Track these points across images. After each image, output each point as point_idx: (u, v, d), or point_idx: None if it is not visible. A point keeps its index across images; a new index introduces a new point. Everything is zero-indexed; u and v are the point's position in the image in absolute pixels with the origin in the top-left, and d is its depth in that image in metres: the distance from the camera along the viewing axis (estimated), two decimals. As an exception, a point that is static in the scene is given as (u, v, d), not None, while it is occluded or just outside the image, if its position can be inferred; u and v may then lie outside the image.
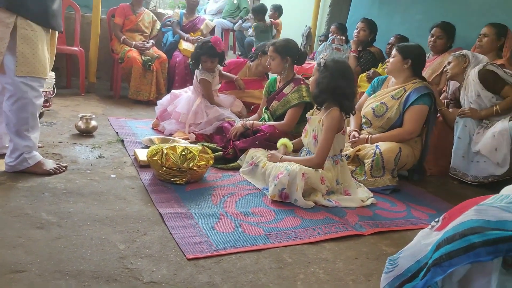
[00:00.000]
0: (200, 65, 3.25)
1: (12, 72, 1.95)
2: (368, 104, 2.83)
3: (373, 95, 2.87)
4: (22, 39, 1.93)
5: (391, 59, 2.78)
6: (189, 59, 3.48)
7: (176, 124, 3.22)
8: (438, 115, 2.93)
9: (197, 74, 3.31)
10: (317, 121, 2.34)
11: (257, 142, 2.64)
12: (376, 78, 3.02)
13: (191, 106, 3.22)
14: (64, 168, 2.22)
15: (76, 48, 4.30)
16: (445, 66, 3.06)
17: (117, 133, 3.07)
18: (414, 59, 2.67)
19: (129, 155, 2.62)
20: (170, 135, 3.16)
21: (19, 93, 1.98)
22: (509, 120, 2.60)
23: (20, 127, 2.03)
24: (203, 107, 3.22)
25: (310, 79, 2.48)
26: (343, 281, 1.53)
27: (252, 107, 3.60)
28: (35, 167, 2.10)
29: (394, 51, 2.75)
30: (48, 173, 2.12)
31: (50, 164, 2.17)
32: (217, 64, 3.33)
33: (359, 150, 2.66)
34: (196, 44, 3.42)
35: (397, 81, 2.78)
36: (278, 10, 6.08)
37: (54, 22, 2.05)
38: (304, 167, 2.17)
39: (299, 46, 3.65)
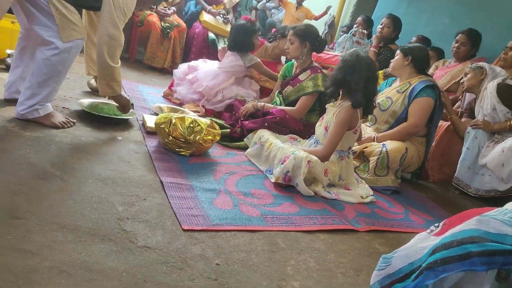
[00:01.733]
0: (247, 48, 3.26)
1: (56, 35, 2.01)
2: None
3: (381, 92, 2.90)
4: (56, 9, 1.98)
5: (394, 58, 2.84)
6: (228, 41, 3.35)
7: (191, 93, 3.20)
8: (444, 111, 2.92)
9: (242, 59, 3.26)
10: (332, 113, 2.32)
11: (266, 124, 2.63)
12: (387, 79, 3.07)
13: (218, 82, 3.19)
14: (72, 124, 2.23)
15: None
16: (462, 77, 3.03)
17: (128, 96, 3.07)
18: (414, 56, 2.72)
19: (137, 119, 2.62)
20: (180, 104, 3.16)
21: (63, 48, 2.03)
22: None
23: (50, 78, 2.06)
24: (232, 88, 3.20)
25: (328, 75, 2.46)
26: (332, 273, 1.54)
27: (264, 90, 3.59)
28: (44, 118, 2.11)
29: (397, 51, 2.83)
30: (56, 126, 2.13)
31: (59, 117, 2.18)
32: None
33: (365, 147, 2.66)
34: (235, 28, 3.28)
35: (401, 79, 2.82)
36: None
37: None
38: (311, 155, 2.17)
39: (321, 34, 3.60)
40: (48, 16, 1.98)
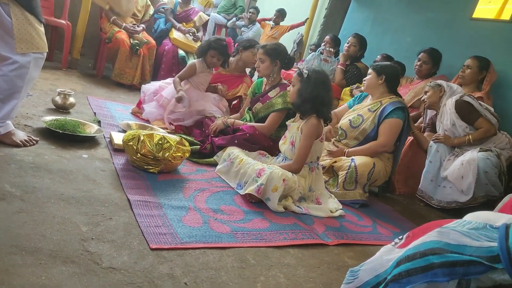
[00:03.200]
0: (205, 57, 3.26)
1: (13, 48, 1.93)
2: (346, 116, 2.95)
3: (352, 108, 2.98)
4: (16, 20, 1.91)
5: (367, 77, 2.90)
6: (196, 51, 3.39)
7: (156, 108, 3.17)
8: (411, 133, 3.02)
9: (194, 61, 3.29)
10: (296, 127, 2.37)
11: (236, 141, 2.63)
12: (359, 94, 3.12)
13: (174, 91, 3.16)
14: (34, 142, 2.15)
15: (63, 21, 4.16)
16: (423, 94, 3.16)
17: (94, 113, 3.01)
18: (387, 75, 2.80)
19: (104, 137, 2.56)
20: (148, 122, 3.12)
21: (22, 62, 1.96)
22: (479, 151, 2.69)
23: (11, 95, 1.98)
24: (190, 96, 3.17)
25: (288, 88, 2.50)
26: (302, 287, 1.54)
27: (234, 102, 3.60)
28: (4, 137, 2.03)
29: (369, 70, 2.90)
30: (17, 145, 2.05)
31: (21, 136, 2.10)
32: (220, 65, 3.35)
33: (335, 161, 2.71)
34: (209, 37, 3.41)
35: (373, 97, 2.90)
36: (282, 15, 6.10)
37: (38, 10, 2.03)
38: (286, 172, 2.20)
39: (290, 52, 3.67)
40: (4, 27, 1.91)
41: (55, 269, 1.26)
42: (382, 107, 2.75)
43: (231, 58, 3.62)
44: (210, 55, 3.23)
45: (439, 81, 3.01)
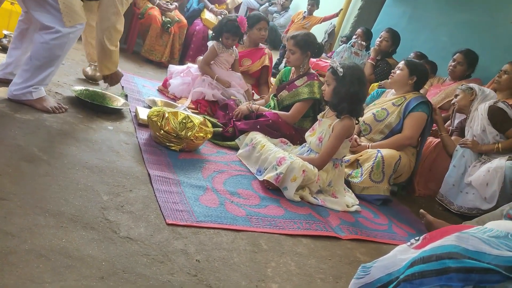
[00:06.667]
0: (221, 39, 3.30)
1: (61, 22, 2.00)
2: (367, 110, 2.93)
3: (373, 103, 2.99)
4: None
5: (397, 71, 2.86)
6: (211, 31, 3.48)
7: (182, 84, 3.24)
8: (434, 125, 2.99)
9: (212, 44, 3.33)
10: (328, 124, 2.34)
11: (258, 127, 2.63)
12: (375, 90, 3.12)
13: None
14: (64, 109, 2.21)
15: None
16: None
17: (122, 87, 3.06)
18: (418, 77, 2.82)
19: (130, 111, 2.61)
20: (174, 100, 3.16)
21: (64, 32, 2.01)
22: (507, 159, 2.61)
23: (48, 62, 2.05)
24: (217, 73, 3.25)
25: (324, 82, 2.45)
26: (311, 278, 1.55)
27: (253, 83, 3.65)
28: (36, 102, 2.09)
29: (402, 64, 2.86)
30: (47, 111, 2.11)
31: (51, 102, 2.17)
32: (236, 43, 3.38)
33: (360, 155, 2.70)
34: (221, 18, 3.49)
35: (397, 92, 2.89)
36: (316, 3, 5.96)
37: None
38: (307, 163, 2.19)
39: (320, 42, 3.62)
40: (49, 3, 1.96)
41: (75, 233, 1.30)
42: (406, 102, 2.77)
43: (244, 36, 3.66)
44: (225, 38, 3.29)
45: (471, 85, 2.91)
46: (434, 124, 2.95)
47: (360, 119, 2.89)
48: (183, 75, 3.30)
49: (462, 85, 2.98)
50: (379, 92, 3.09)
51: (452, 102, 3.02)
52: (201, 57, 3.40)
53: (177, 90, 3.23)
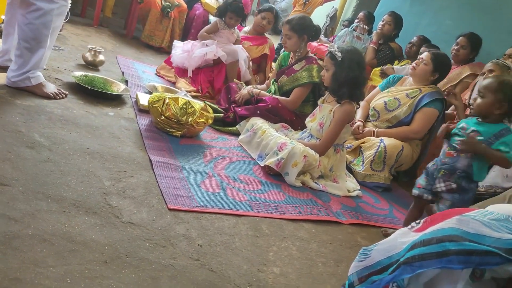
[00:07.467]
0: (224, 18, 3.40)
1: None
2: (380, 97, 2.87)
3: (386, 90, 2.91)
4: None
5: (421, 64, 2.72)
6: (215, 11, 3.56)
7: (183, 52, 3.34)
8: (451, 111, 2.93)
9: (216, 19, 3.43)
10: (328, 110, 2.33)
11: (258, 112, 2.62)
12: (392, 76, 3.03)
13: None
14: (64, 95, 2.20)
15: (98, -22, 4.15)
16: (464, 77, 3.00)
17: (122, 72, 3.04)
18: (441, 74, 2.73)
19: (130, 96, 2.60)
20: (174, 84, 3.15)
21: (47, 8, 1.94)
22: None
23: (37, 44, 2.00)
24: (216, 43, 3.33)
25: (322, 72, 2.41)
26: (313, 261, 1.57)
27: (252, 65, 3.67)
28: (36, 88, 2.08)
29: (427, 56, 2.71)
30: (48, 96, 2.11)
31: (51, 88, 2.16)
32: (239, 24, 3.48)
33: (363, 142, 2.68)
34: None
35: (414, 82, 2.81)
36: None
37: None
38: (308, 149, 2.18)
39: (322, 26, 3.58)
40: None
41: (78, 218, 1.31)
42: (421, 95, 2.70)
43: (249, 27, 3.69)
44: (228, 17, 3.37)
45: (508, 62, 2.80)
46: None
47: (371, 104, 2.88)
48: (187, 47, 3.40)
49: (496, 59, 2.83)
50: (396, 79, 2.97)
51: (484, 77, 2.89)
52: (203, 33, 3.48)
53: (179, 59, 3.33)
